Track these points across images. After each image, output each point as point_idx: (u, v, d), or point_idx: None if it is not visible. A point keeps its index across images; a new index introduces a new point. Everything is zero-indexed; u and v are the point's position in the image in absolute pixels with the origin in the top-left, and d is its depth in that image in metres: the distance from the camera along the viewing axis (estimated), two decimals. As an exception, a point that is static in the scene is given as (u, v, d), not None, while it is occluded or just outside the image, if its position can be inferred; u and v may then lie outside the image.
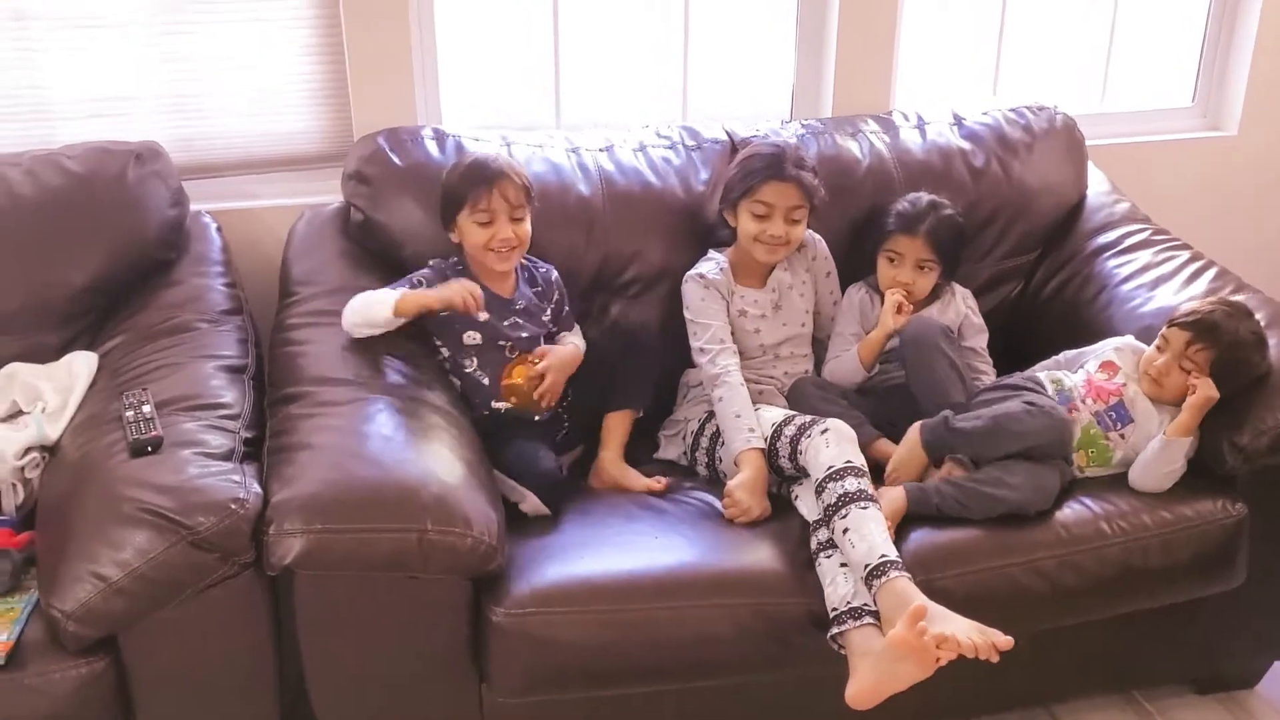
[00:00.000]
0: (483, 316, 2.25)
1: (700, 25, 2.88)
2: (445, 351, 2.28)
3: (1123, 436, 2.23)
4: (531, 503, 2.14)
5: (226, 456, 1.88)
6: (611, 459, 2.30)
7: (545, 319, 2.38)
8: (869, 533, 1.96)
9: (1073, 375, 2.31)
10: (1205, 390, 2.14)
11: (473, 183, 2.26)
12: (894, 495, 2.10)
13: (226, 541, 1.75)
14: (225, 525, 1.74)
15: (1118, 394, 2.25)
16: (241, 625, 1.85)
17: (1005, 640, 1.84)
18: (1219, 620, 2.26)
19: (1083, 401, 2.25)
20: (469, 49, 2.80)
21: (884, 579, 1.91)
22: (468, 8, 2.76)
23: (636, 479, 2.28)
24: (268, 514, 1.78)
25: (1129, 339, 2.35)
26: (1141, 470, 2.18)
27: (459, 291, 2.19)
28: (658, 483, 2.27)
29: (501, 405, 2.28)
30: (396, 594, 1.86)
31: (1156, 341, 2.25)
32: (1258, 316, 2.26)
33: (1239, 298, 2.35)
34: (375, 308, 2.16)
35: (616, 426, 2.32)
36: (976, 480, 2.13)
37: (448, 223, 2.31)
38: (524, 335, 2.32)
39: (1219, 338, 2.17)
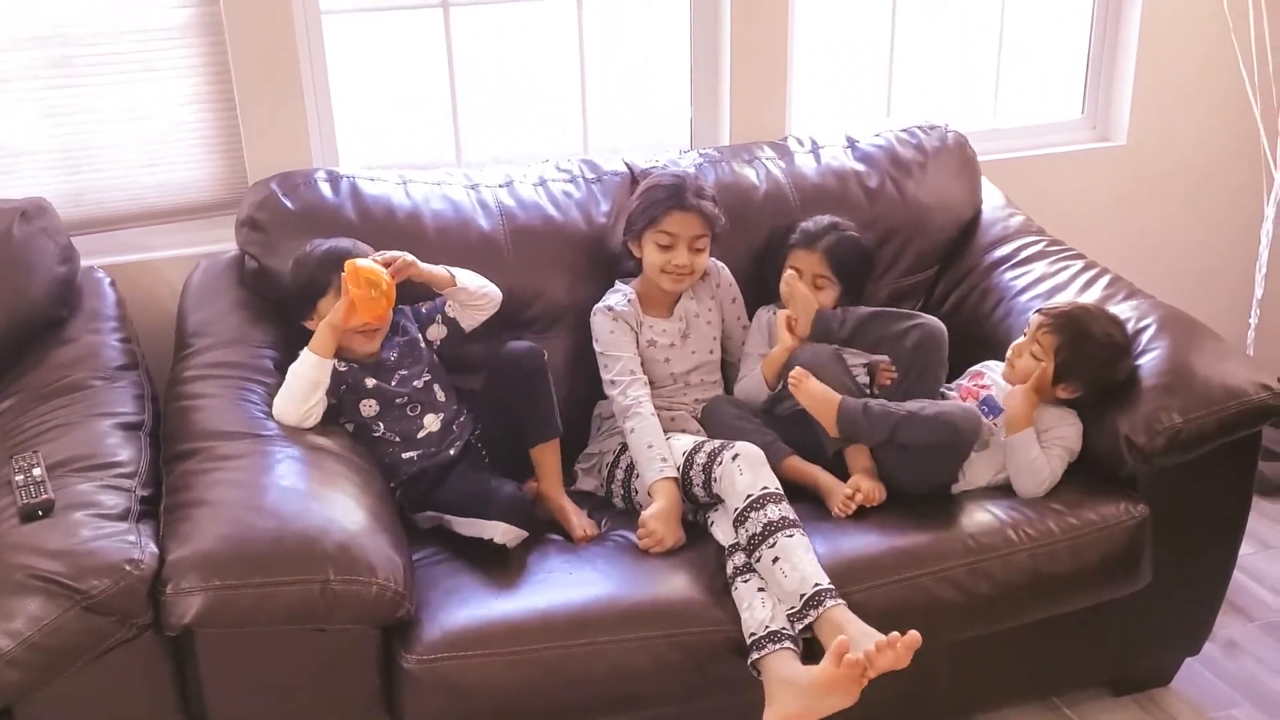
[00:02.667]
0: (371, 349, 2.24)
1: (596, 59, 2.90)
2: (350, 427, 2.24)
3: (996, 424, 2.30)
4: (504, 531, 2.10)
5: (122, 517, 1.83)
6: (554, 491, 2.29)
7: (420, 344, 2.33)
8: (799, 561, 1.97)
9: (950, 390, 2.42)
10: (1010, 397, 2.26)
11: (331, 272, 2.20)
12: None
13: (122, 604, 1.70)
14: (120, 587, 1.70)
15: (987, 389, 2.35)
16: (144, 689, 1.81)
17: (912, 636, 1.86)
18: (1130, 621, 2.30)
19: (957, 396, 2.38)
20: (365, 89, 2.79)
21: (821, 609, 1.93)
22: (362, 48, 2.76)
23: (578, 519, 2.25)
24: (164, 573, 1.74)
25: (995, 362, 2.43)
26: (1011, 475, 2.25)
27: (343, 304, 2.14)
28: (592, 529, 2.24)
29: (413, 453, 2.26)
30: (303, 647, 1.83)
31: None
32: (1148, 321, 2.33)
33: (1131, 303, 2.41)
34: (298, 369, 2.12)
35: (547, 460, 2.31)
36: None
37: (305, 313, 2.26)
38: (417, 384, 2.29)
39: (1064, 326, 2.27)
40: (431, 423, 2.28)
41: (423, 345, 2.34)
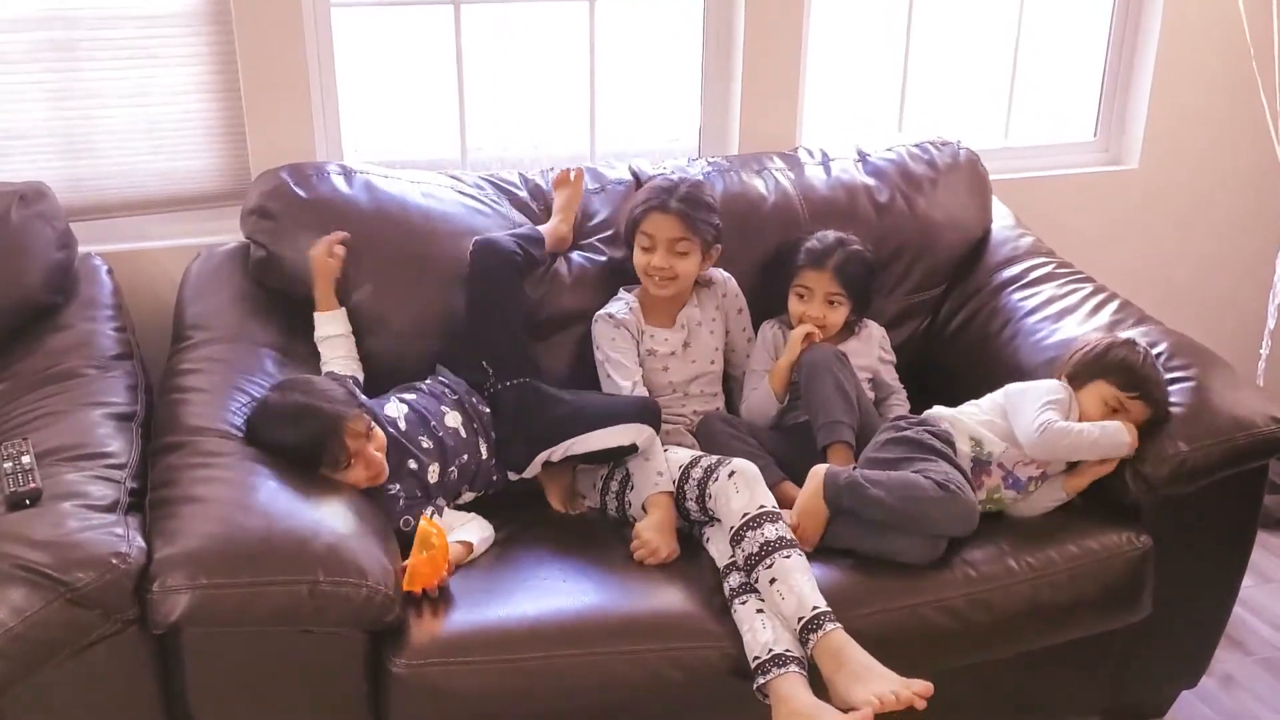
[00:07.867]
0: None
1: (607, 62, 2.87)
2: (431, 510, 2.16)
3: (1019, 496, 2.22)
4: (638, 431, 2.19)
5: (110, 508, 1.80)
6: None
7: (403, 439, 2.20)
8: (796, 584, 1.94)
9: (998, 442, 2.21)
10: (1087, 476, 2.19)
11: (319, 444, 1.98)
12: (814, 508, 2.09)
13: (107, 598, 1.67)
14: (105, 580, 1.67)
15: (1040, 474, 2.21)
16: (127, 685, 1.77)
17: (925, 686, 1.83)
18: (1127, 651, 2.27)
19: (999, 466, 2.21)
20: (372, 83, 2.76)
21: (820, 633, 1.90)
22: (370, 41, 2.73)
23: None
24: (151, 570, 1.71)
25: (1060, 384, 2.25)
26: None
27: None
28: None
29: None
30: (290, 649, 1.80)
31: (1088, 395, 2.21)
32: (1157, 349, 2.29)
33: (1140, 330, 2.37)
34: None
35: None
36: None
37: (312, 469, 1.99)
38: (435, 424, 2.22)
39: (1151, 390, 2.19)
40: (456, 420, 2.24)
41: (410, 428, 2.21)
